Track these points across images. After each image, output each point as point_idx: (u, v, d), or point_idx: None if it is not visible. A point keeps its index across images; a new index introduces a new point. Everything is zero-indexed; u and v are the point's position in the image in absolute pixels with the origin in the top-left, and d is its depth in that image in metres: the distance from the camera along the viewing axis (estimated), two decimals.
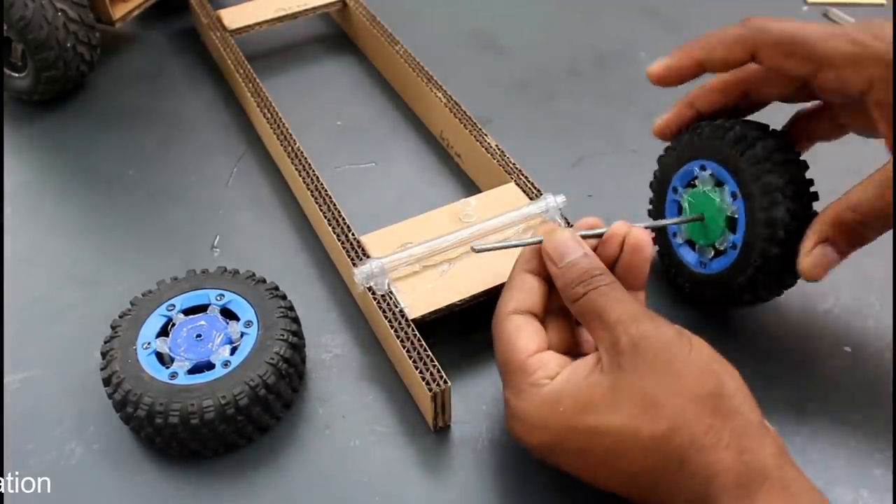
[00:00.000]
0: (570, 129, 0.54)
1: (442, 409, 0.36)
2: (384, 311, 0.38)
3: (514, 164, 0.46)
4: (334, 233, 0.43)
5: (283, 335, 0.37)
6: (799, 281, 0.38)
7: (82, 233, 0.49)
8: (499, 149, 0.47)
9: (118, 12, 0.59)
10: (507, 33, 0.65)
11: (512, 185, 0.45)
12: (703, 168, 0.40)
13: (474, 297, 0.40)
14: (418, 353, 0.37)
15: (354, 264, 0.40)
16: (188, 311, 0.39)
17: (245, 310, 0.39)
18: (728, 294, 0.39)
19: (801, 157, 0.38)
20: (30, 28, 0.52)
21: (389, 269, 0.40)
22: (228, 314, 0.39)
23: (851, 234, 0.35)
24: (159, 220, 0.49)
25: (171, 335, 0.38)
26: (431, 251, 0.41)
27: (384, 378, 0.40)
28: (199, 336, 0.37)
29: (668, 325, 0.31)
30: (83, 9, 0.55)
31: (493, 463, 0.36)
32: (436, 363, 0.36)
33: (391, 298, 0.39)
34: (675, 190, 0.42)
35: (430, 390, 0.35)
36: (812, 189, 0.37)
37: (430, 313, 0.39)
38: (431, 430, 0.37)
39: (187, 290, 0.39)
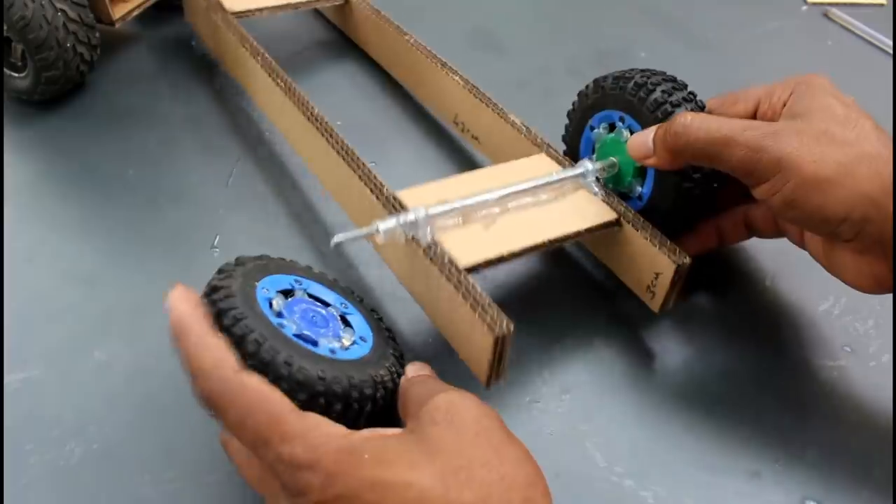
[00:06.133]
0: None
1: (499, 359, 0.33)
2: (431, 259, 0.36)
3: (541, 138, 0.46)
4: (367, 187, 0.40)
5: (392, 368, 0.34)
6: (799, 282, 0.38)
7: (82, 232, 0.49)
8: (524, 125, 0.47)
9: (118, 12, 0.59)
10: (507, 33, 0.65)
11: (543, 155, 0.44)
12: (605, 120, 0.42)
13: (524, 251, 0.38)
14: (475, 298, 0.34)
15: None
16: (312, 298, 0.37)
17: (362, 327, 0.36)
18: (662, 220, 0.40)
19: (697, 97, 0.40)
20: (30, 28, 0.52)
21: (433, 220, 0.37)
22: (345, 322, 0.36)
23: (668, 145, 0.37)
24: (159, 219, 0.49)
25: (289, 300, 0.35)
26: (474, 206, 0.39)
27: None
28: (313, 317, 0.35)
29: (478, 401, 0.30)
30: (83, 9, 0.55)
31: None
32: (495, 307, 0.33)
33: (436, 248, 0.37)
34: (592, 149, 0.44)
35: (494, 332, 0.32)
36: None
37: (483, 263, 0.37)
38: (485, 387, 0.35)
39: (317, 280, 0.37)
